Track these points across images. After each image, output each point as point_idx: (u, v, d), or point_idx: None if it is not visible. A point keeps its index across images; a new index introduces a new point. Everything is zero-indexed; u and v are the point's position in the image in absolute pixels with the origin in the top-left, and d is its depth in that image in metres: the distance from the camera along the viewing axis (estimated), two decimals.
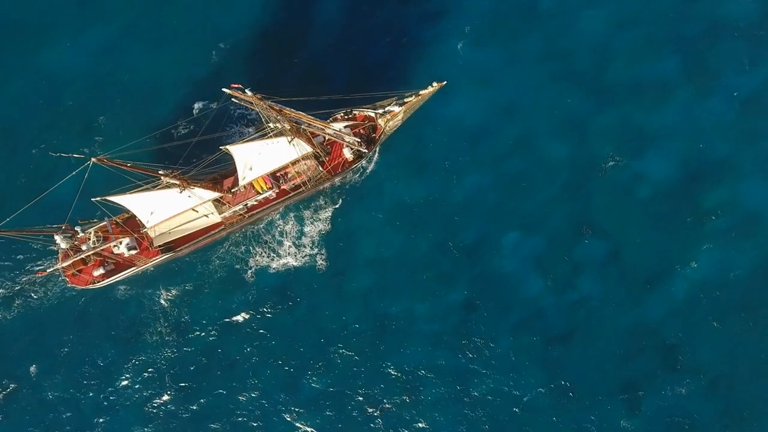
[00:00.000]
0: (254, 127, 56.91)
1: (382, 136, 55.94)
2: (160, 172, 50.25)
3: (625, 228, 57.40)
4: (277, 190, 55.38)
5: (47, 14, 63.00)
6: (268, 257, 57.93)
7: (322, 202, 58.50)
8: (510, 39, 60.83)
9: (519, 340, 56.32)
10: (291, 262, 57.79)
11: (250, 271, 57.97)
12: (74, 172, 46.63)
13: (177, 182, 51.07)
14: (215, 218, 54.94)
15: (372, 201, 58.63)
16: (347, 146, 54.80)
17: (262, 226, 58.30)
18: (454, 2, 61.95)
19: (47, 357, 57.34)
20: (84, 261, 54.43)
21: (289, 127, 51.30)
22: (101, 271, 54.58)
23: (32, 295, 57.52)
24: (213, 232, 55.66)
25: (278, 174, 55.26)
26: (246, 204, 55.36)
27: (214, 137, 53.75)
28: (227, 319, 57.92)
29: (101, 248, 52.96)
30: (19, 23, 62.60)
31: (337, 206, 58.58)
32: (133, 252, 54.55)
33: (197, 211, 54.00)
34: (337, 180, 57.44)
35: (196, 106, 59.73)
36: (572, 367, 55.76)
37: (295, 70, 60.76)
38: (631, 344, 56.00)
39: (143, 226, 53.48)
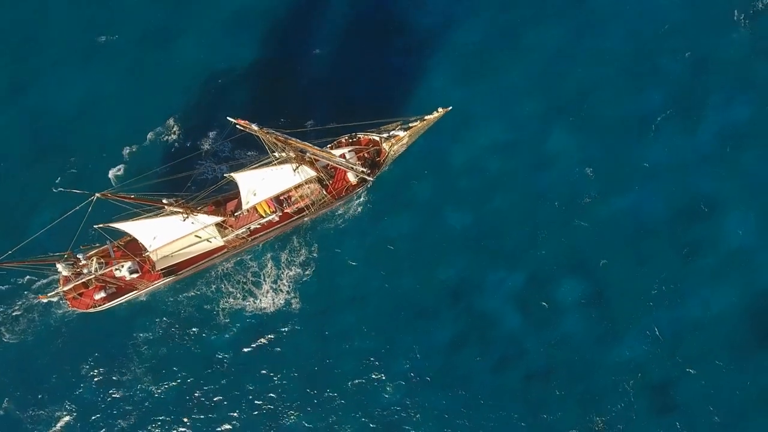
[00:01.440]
0: (256, 155, 56.35)
1: (387, 160, 55.50)
2: (163, 201, 49.67)
3: (608, 265, 56.97)
4: (281, 214, 54.96)
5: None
6: (243, 299, 57.26)
7: (297, 244, 57.86)
8: (492, 74, 60.01)
9: (500, 378, 55.66)
10: (268, 302, 57.23)
11: (224, 312, 57.24)
12: (77, 207, 45.97)
13: (180, 210, 50.51)
14: (218, 242, 54.53)
15: (353, 238, 57.99)
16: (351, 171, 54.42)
17: (231, 265, 57.68)
18: (441, 37, 61.57)
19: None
20: (85, 284, 53.94)
21: (294, 156, 50.73)
22: (102, 294, 54.23)
23: (32, 319, 56.98)
24: (215, 255, 55.26)
25: (281, 197, 54.80)
26: (249, 227, 54.92)
27: (216, 166, 53.34)
28: (205, 359, 57.23)
29: (102, 272, 52.49)
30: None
31: (316, 245, 57.91)
32: (135, 275, 54.18)
33: (200, 237, 53.50)
34: (340, 203, 57.06)
35: (209, 137, 59.43)
36: (554, 404, 55.34)
37: (297, 99, 60.37)
38: (613, 383, 55.43)
39: (145, 249, 52.99)
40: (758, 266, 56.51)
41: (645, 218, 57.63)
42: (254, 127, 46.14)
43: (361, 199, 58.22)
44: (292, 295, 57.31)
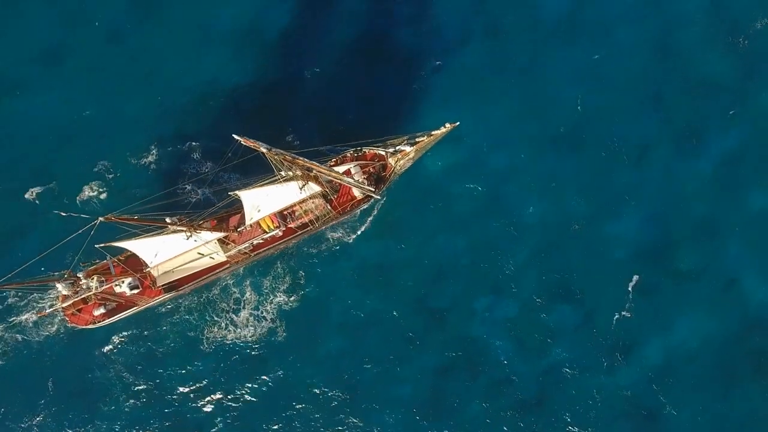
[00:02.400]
0: (240, 178, 55.99)
1: (392, 175, 54.71)
2: (167, 219, 48.62)
3: (599, 291, 56.52)
4: (284, 229, 54.11)
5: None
6: (224, 328, 56.13)
7: (281, 270, 56.82)
8: (483, 97, 59.00)
9: (490, 405, 55.20)
10: (250, 330, 56.15)
11: (207, 339, 56.12)
12: (80, 231, 44.76)
13: (184, 229, 49.51)
14: (220, 258, 53.62)
15: (340, 264, 56.96)
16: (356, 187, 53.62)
17: (217, 292, 56.49)
18: (436, 59, 60.61)
19: None
20: (84, 300, 52.90)
21: (300, 174, 49.79)
22: (102, 310, 53.20)
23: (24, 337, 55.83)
24: (218, 270, 54.41)
25: (285, 212, 53.92)
26: (252, 243, 54.05)
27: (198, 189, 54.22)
28: (190, 388, 56.23)
29: (102, 290, 51.50)
30: None
31: (302, 271, 56.91)
32: (136, 291, 53.18)
33: (202, 254, 52.58)
34: (345, 218, 56.26)
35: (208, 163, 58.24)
36: None
37: (295, 118, 59.42)
38: (604, 411, 55.23)
39: (146, 265, 51.98)
40: (749, 294, 56.39)
41: (637, 245, 57.13)
42: (262, 149, 45.07)
43: (348, 224, 57.08)
44: (277, 323, 56.14)
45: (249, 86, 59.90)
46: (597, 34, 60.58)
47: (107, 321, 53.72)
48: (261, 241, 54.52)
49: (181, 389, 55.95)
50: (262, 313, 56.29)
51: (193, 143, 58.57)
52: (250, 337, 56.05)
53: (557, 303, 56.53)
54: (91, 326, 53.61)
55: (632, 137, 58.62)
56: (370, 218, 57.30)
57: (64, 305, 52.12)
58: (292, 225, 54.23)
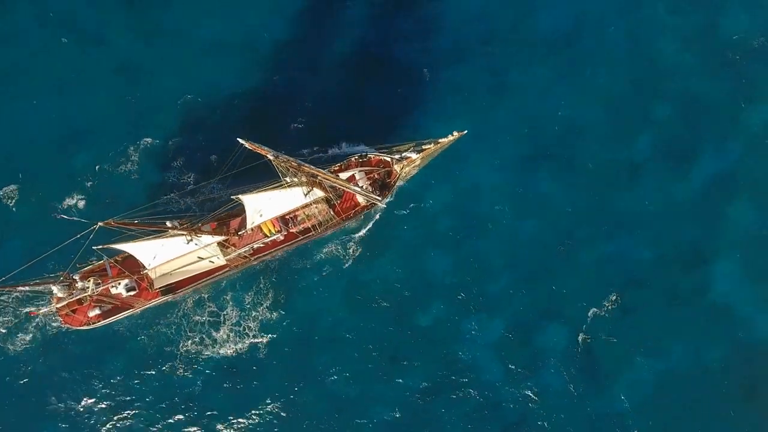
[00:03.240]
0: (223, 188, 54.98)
1: (398, 182, 53.84)
2: (167, 223, 47.51)
3: (592, 313, 55.67)
4: (286, 233, 53.16)
5: None
6: (200, 343, 54.97)
7: (264, 285, 55.74)
8: (477, 115, 57.92)
9: (475, 429, 54.61)
10: (231, 346, 55.07)
11: (182, 356, 54.89)
12: (79, 235, 43.63)
13: (184, 233, 48.42)
14: (220, 261, 52.59)
15: (325, 280, 55.98)
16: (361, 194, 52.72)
17: (190, 306, 55.39)
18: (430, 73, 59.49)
19: None
20: (79, 301, 51.76)
21: (306, 180, 48.83)
22: (97, 311, 52.10)
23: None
24: (217, 273, 53.42)
25: (287, 217, 52.92)
26: (252, 247, 53.07)
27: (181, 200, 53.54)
28: (163, 403, 54.93)
29: (98, 291, 50.41)
30: None
31: (285, 286, 55.83)
32: (132, 293, 52.08)
33: (202, 258, 51.53)
34: (348, 224, 55.37)
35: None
36: None
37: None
38: None
39: (144, 267, 50.88)
40: (742, 317, 55.84)
41: (630, 266, 56.36)
42: (270, 155, 44.08)
43: (336, 239, 55.99)
44: (259, 339, 55.13)
45: (247, 93, 58.83)
46: (590, 52, 59.66)
47: (102, 322, 52.68)
48: (262, 245, 53.44)
49: (157, 402, 54.92)
50: (243, 329, 55.11)
51: (187, 150, 57.64)
52: (230, 353, 54.88)
53: (547, 323, 55.75)
54: (85, 327, 52.49)
55: (623, 157, 57.82)
56: (358, 235, 56.31)
57: (59, 306, 50.84)
58: (293, 230, 53.21)
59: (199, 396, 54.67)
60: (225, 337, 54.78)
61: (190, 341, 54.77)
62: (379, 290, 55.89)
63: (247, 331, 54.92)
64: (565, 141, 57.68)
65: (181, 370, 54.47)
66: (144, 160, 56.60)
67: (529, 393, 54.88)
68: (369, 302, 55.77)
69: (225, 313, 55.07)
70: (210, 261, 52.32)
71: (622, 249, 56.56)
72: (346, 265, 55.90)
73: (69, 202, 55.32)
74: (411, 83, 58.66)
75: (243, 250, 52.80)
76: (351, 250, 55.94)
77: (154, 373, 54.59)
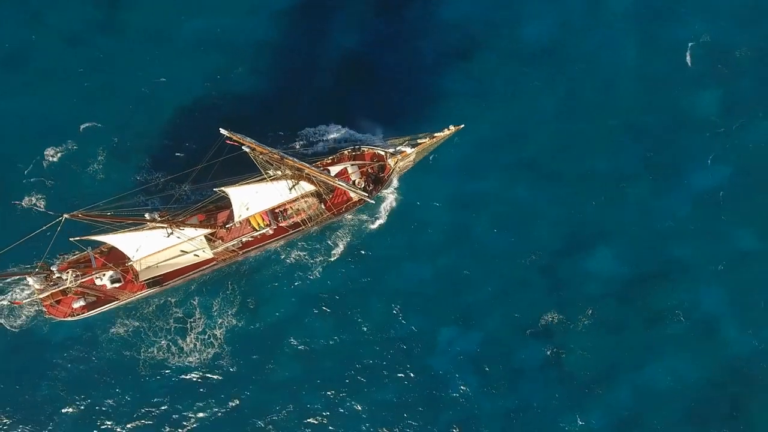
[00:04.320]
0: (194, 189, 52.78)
1: (391, 176, 51.45)
2: (146, 216, 45.97)
3: (570, 328, 53.69)
4: (275, 227, 51.29)
5: None
6: (167, 351, 53.09)
7: (231, 291, 53.66)
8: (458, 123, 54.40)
9: None
10: (195, 356, 53.20)
11: (145, 363, 53.03)
12: (44, 227, 42.20)
13: (164, 225, 46.86)
14: (207, 255, 51.02)
15: (297, 288, 53.92)
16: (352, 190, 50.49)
17: (152, 308, 53.52)
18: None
19: None
20: (63, 291, 50.75)
21: (291, 174, 46.76)
22: (81, 303, 51.04)
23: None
24: (204, 267, 51.89)
25: (277, 210, 51.05)
26: (240, 240, 51.35)
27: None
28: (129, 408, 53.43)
29: (82, 281, 49.30)
30: None
31: (255, 293, 53.73)
32: (117, 285, 50.86)
33: (187, 251, 50.02)
34: (338, 219, 53.23)
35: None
36: None
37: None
38: None
39: (128, 259, 49.59)
40: (724, 336, 53.86)
41: (609, 283, 54.28)
42: (245, 148, 42.10)
43: (308, 244, 54.01)
44: (225, 348, 53.29)
45: (228, 95, 56.45)
46: (578, 63, 56.93)
47: (86, 314, 51.60)
48: (250, 239, 51.70)
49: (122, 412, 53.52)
50: (208, 337, 53.30)
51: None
52: (195, 361, 53.18)
53: (525, 338, 53.78)
54: (69, 319, 51.53)
55: (609, 171, 55.50)
56: (330, 240, 54.35)
57: (42, 296, 49.92)
58: (283, 224, 51.33)
59: (159, 403, 53.37)
60: (191, 345, 53.10)
61: (155, 347, 53.10)
62: (353, 300, 53.92)
63: (212, 339, 53.18)
64: (548, 152, 55.62)
65: (145, 377, 52.95)
66: (111, 158, 54.70)
67: (507, 408, 53.39)
68: (342, 312, 53.89)
69: (192, 320, 53.40)
70: (195, 255, 50.74)
71: (604, 264, 54.57)
72: (318, 273, 53.97)
73: (31, 200, 53.57)
74: (393, 88, 56.50)
75: (231, 243, 51.12)
76: (323, 258, 54.00)
77: (112, 380, 53.47)
